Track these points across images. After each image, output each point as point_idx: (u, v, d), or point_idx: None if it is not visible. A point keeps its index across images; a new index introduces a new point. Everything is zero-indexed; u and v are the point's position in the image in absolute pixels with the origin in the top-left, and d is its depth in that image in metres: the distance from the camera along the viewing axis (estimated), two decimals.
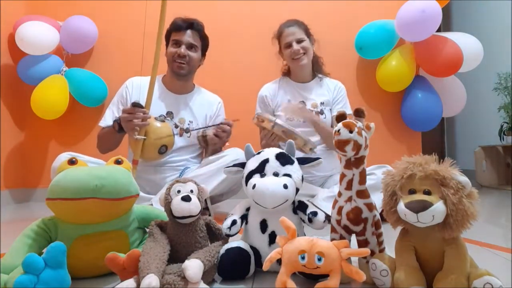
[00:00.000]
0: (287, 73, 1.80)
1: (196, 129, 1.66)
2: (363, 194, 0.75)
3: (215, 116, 1.76)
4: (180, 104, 1.70)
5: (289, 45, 1.66)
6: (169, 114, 1.66)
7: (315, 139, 1.60)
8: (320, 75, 1.77)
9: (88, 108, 2.50)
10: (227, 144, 1.67)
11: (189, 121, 1.69)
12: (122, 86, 1.70)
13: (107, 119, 1.62)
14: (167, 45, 1.68)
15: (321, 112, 1.69)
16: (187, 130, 1.67)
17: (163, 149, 1.47)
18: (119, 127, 1.44)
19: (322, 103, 1.71)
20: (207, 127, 1.65)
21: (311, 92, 1.73)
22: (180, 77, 1.67)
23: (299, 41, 1.65)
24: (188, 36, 1.62)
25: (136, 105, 1.38)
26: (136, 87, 1.66)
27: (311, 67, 1.75)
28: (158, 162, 1.58)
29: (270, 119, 1.36)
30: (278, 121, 1.37)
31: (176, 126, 1.66)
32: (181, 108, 1.69)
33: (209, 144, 1.60)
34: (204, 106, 1.75)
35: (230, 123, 1.56)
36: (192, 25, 1.63)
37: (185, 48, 1.61)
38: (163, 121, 1.52)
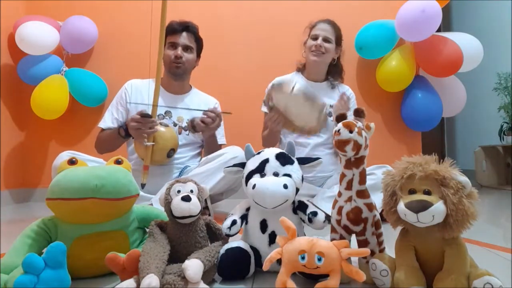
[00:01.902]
0: (301, 69, 1.82)
1: (185, 108, 1.67)
2: (363, 194, 0.75)
3: None
4: (178, 103, 1.72)
5: (316, 38, 1.70)
6: (167, 113, 1.69)
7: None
8: (334, 82, 1.79)
9: (88, 108, 2.50)
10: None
11: (187, 120, 1.70)
12: (121, 88, 1.73)
13: (106, 121, 1.66)
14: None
15: (329, 115, 1.71)
16: (186, 128, 1.69)
17: (171, 153, 1.53)
18: (125, 133, 1.48)
19: (331, 106, 1.72)
20: (192, 109, 1.65)
21: (321, 93, 1.74)
22: (176, 77, 1.70)
23: (326, 40, 1.70)
24: (184, 38, 1.66)
25: (143, 115, 1.42)
26: (135, 89, 1.70)
27: (326, 70, 1.78)
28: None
29: (289, 84, 1.25)
30: (298, 85, 1.25)
31: (175, 125, 1.68)
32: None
33: (197, 130, 1.58)
34: (201, 105, 1.77)
35: (215, 110, 1.55)
36: (187, 27, 1.66)
37: (181, 50, 1.64)
38: (166, 125, 1.56)
